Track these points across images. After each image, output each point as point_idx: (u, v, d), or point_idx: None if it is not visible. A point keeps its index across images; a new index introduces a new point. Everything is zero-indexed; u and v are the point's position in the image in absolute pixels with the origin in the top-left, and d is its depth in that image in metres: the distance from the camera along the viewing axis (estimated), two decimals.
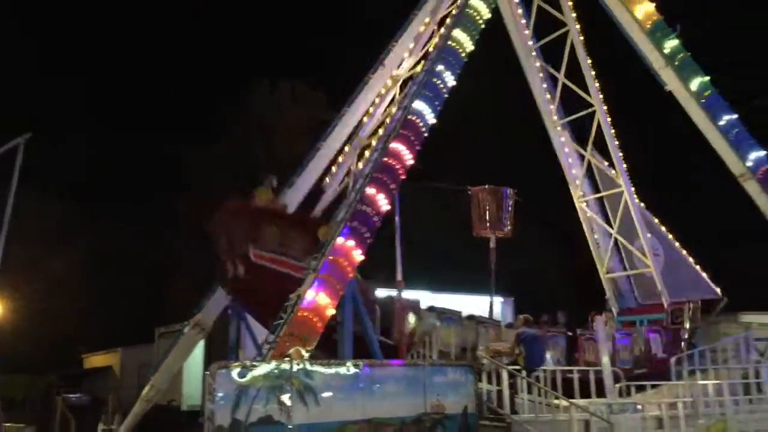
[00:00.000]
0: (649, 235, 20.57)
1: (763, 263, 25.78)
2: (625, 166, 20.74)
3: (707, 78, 21.02)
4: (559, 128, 21.81)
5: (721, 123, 20.82)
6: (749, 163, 20.60)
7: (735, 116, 20.96)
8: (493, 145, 34.19)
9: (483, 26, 17.65)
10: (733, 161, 20.76)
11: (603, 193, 21.58)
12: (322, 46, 43.23)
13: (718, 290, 20.53)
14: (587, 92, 20.83)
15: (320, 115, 29.72)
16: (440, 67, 16.42)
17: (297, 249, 14.57)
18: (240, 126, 35.43)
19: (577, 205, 21.97)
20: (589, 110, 20.85)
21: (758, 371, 15.75)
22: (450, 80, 16.58)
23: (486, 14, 17.67)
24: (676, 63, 20.94)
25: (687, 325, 19.06)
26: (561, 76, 21.36)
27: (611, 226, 21.36)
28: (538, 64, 21.74)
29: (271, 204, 15.63)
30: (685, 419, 13.64)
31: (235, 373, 10.23)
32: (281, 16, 45.74)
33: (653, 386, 15.23)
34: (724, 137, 20.70)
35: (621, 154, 20.71)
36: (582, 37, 20.96)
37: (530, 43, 21.60)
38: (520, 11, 21.40)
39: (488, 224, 19.07)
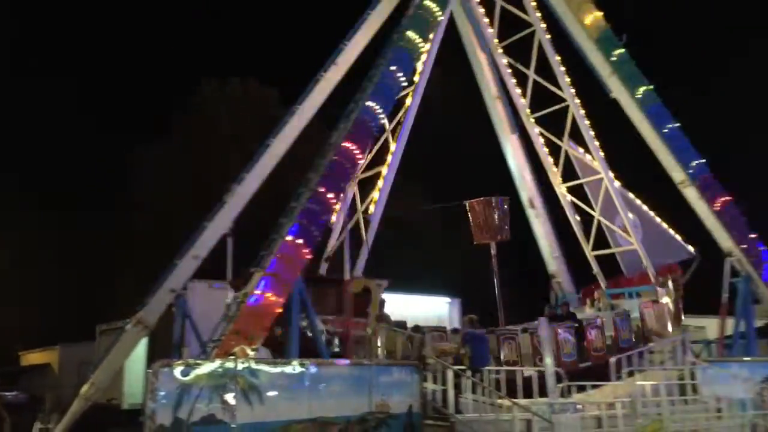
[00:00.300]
0: (631, 215, 21.46)
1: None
2: (602, 154, 21.50)
3: (651, 87, 21.59)
4: (533, 121, 22.42)
5: (664, 131, 21.38)
6: (689, 171, 21.22)
7: (677, 125, 21.57)
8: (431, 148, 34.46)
9: (435, 27, 17.95)
10: (674, 168, 21.37)
11: (583, 180, 22.32)
12: (274, 44, 43.01)
13: (691, 248, 21.38)
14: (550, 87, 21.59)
15: (271, 112, 29.62)
16: (392, 68, 16.56)
17: (330, 306, 15.45)
18: (188, 121, 34.85)
19: (557, 190, 22.69)
20: (563, 104, 21.49)
21: (693, 372, 16.22)
22: (401, 81, 16.76)
23: (438, 16, 17.90)
24: (622, 71, 21.44)
25: (673, 297, 20.02)
26: (531, 73, 21.90)
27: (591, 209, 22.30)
28: (504, 61, 22.22)
29: None
30: (623, 419, 13.99)
31: (177, 371, 10.09)
32: (236, 13, 45.35)
33: (594, 386, 15.56)
34: (665, 145, 21.29)
35: (597, 143, 21.46)
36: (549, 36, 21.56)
37: (496, 41, 22.12)
38: (482, 10, 21.81)
39: (488, 232, 19.60)
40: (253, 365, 10.86)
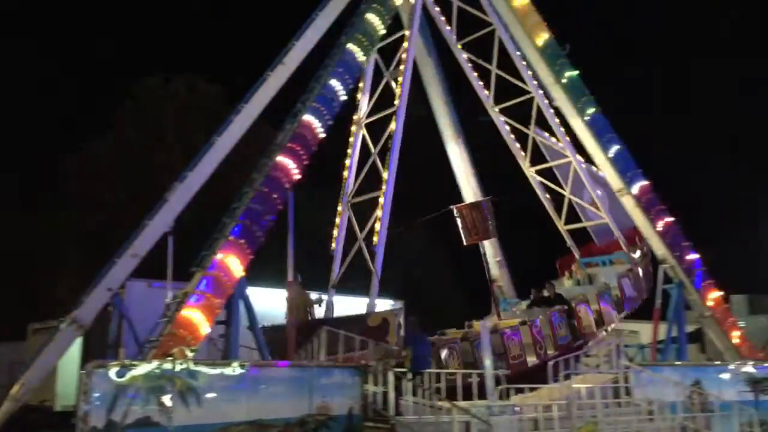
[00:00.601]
0: (599, 192, 22.60)
1: None
2: (568, 138, 22.39)
3: (592, 96, 22.14)
4: (497, 111, 22.96)
5: (603, 140, 21.96)
6: (627, 180, 21.83)
7: (615, 135, 22.17)
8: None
9: (380, 37, 18.18)
10: (613, 176, 21.97)
11: (552, 163, 23.24)
12: (221, 42, 42.52)
13: None
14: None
15: (217, 110, 29.24)
16: (340, 69, 16.63)
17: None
18: (132, 119, 34.10)
19: (527, 174, 23.51)
20: (528, 96, 22.07)
21: (627, 376, 16.64)
22: (341, 94, 16.79)
23: (381, 29, 18.11)
24: (564, 80, 21.92)
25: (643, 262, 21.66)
26: (494, 68, 22.37)
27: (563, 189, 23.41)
28: (465, 56, 22.62)
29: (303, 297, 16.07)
30: (559, 421, 14.26)
31: (112, 372, 9.88)
32: (182, 10, 44.65)
33: (531, 389, 15.83)
34: (604, 153, 21.87)
35: (563, 129, 22.31)
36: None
37: (454, 39, 22.47)
38: (438, 9, 22.10)
39: (477, 234, 19.99)
40: (192, 366, 10.69)
